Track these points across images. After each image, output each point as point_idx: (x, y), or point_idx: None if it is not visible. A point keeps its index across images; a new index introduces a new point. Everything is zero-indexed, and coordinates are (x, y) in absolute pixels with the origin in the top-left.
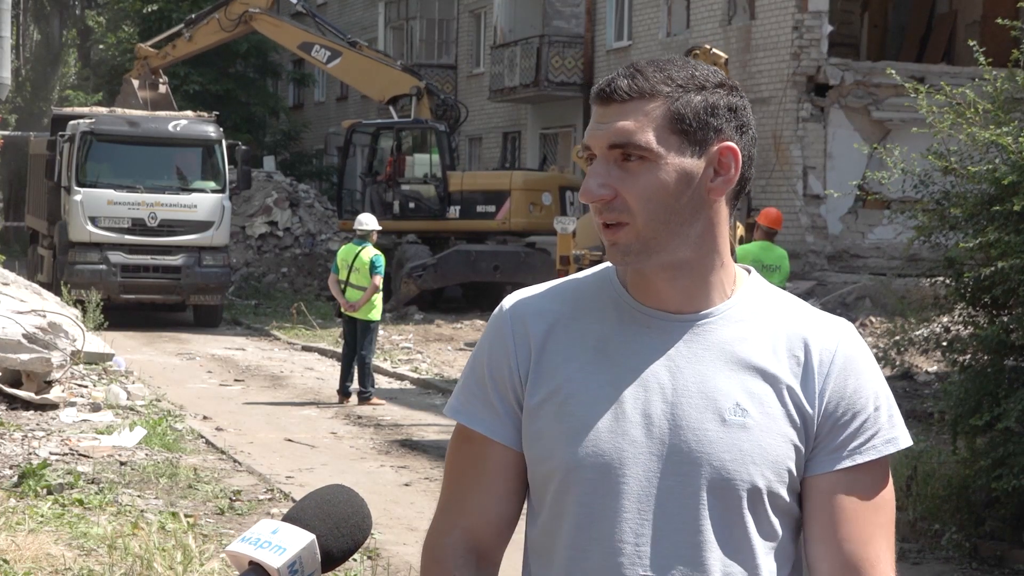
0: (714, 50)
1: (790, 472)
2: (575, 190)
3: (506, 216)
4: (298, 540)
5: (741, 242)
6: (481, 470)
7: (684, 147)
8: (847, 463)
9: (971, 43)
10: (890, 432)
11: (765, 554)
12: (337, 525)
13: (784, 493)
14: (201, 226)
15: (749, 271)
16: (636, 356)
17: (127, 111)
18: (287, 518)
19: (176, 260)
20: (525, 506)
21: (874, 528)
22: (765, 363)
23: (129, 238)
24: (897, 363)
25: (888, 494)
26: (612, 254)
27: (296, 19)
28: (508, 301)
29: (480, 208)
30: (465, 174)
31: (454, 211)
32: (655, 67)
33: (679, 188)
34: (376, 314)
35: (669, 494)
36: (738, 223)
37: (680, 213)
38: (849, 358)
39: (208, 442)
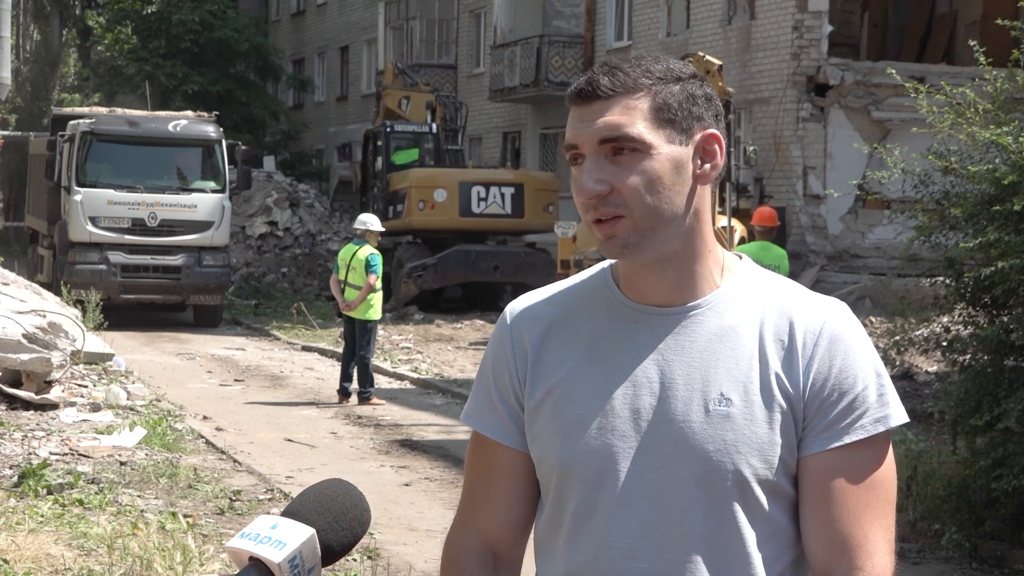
0: (707, 57)
1: (781, 457)
2: (486, 185)
3: (406, 215)
4: (298, 535)
5: (742, 242)
6: (492, 473)
7: (672, 136)
8: (836, 443)
9: (971, 43)
10: (880, 411)
11: (758, 542)
12: (337, 519)
13: (776, 478)
14: (201, 226)
15: (741, 257)
16: (626, 352)
17: (127, 111)
18: (286, 513)
19: (176, 260)
20: None
21: (864, 507)
22: (751, 350)
23: (129, 238)
24: (897, 363)
25: (884, 473)
26: (610, 247)
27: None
28: (509, 307)
29: (399, 207)
30: (397, 174)
31: (392, 211)
32: (631, 63)
33: (672, 177)
34: (374, 314)
35: (658, 487)
36: (738, 223)
37: (674, 202)
38: (835, 337)
39: (208, 442)
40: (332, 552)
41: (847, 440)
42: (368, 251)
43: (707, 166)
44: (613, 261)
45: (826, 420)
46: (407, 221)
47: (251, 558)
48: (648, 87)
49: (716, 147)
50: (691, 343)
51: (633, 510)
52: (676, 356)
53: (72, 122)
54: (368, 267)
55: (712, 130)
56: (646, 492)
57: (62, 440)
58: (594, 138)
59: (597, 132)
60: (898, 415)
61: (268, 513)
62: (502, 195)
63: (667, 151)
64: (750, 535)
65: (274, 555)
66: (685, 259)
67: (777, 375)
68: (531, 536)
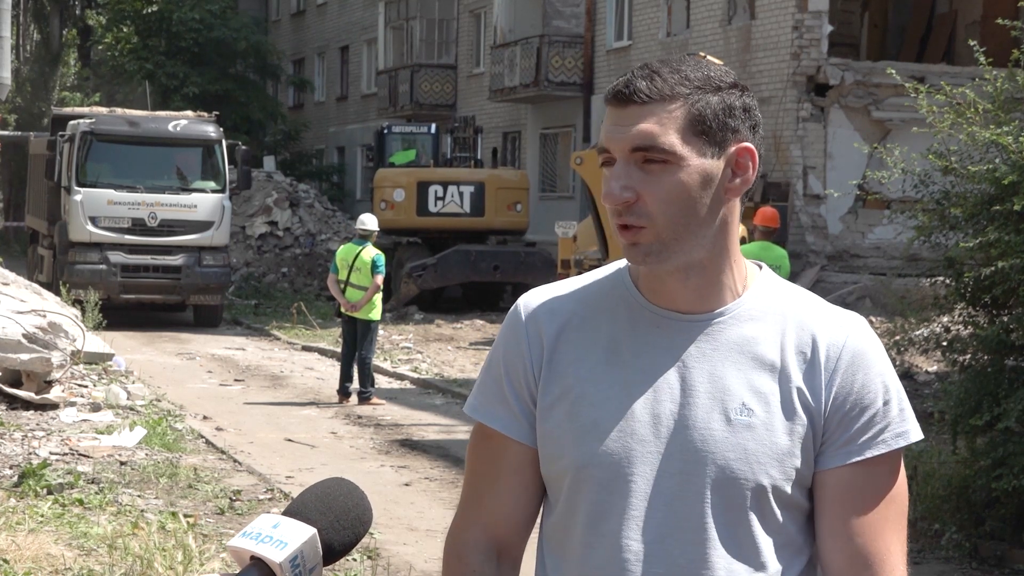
0: (708, 57)
1: (798, 469)
2: (444, 184)
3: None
4: (300, 534)
5: (742, 242)
6: (498, 467)
7: (705, 149)
8: (856, 457)
9: (971, 43)
10: (900, 426)
11: (772, 551)
12: (338, 518)
13: (792, 490)
14: (201, 226)
15: (760, 267)
16: (646, 357)
17: (127, 111)
18: (288, 512)
19: (176, 260)
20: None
21: (884, 522)
22: (773, 361)
23: (129, 238)
24: (897, 363)
25: (899, 487)
26: (632, 255)
27: None
28: (523, 300)
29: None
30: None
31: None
32: (670, 68)
33: (700, 190)
34: (376, 314)
35: (675, 493)
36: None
37: (699, 215)
38: (857, 352)
39: (208, 442)
40: (333, 551)
41: (868, 455)
42: (373, 252)
43: (738, 180)
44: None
45: (847, 434)
46: None
47: (252, 557)
48: (685, 96)
49: (749, 161)
50: (713, 351)
51: (650, 515)
52: (697, 364)
53: (72, 122)
54: (374, 268)
55: (747, 143)
56: (663, 498)
57: (62, 440)
58: (627, 145)
59: (630, 139)
60: (915, 431)
61: (269, 513)
62: (460, 194)
63: (697, 164)
64: (765, 544)
65: (275, 555)
66: (709, 269)
67: (799, 388)
68: (533, 535)
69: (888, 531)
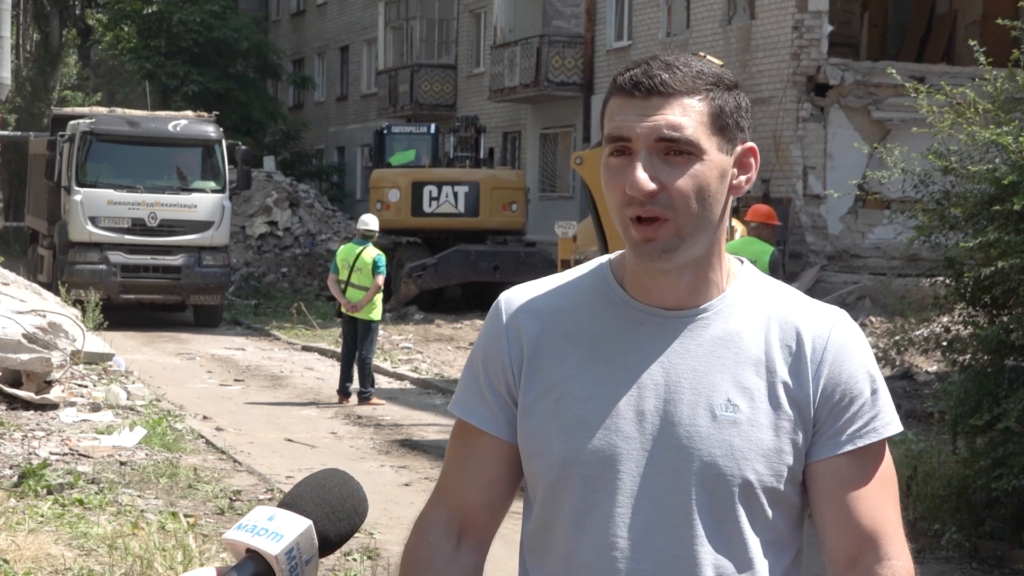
0: (708, 57)
1: (787, 464)
2: (439, 185)
3: None
4: (295, 526)
5: None
6: (471, 458)
7: (722, 144)
8: (849, 447)
9: (971, 43)
10: (889, 415)
11: (760, 547)
12: (334, 510)
13: (780, 485)
14: (201, 226)
15: (742, 262)
16: (630, 353)
17: (127, 111)
18: (283, 504)
19: (176, 260)
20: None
21: (884, 503)
22: (758, 356)
23: (129, 238)
24: (897, 363)
25: (888, 468)
26: (648, 250)
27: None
28: (504, 297)
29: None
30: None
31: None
32: (683, 62)
33: (717, 185)
34: (377, 314)
35: (661, 490)
36: (739, 223)
37: (713, 210)
38: (842, 345)
39: (208, 442)
40: (329, 543)
41: (860, 444)
42: (374, 252)
43: (743, 178)
44: (611, 257)
45: (837, 425)
46: None
47: (248, 550)
48: (705, 91)
49: (752, 161)
50: (697, 347)
51: (636, 512)
52: (682, 360)
53: (72, 122)
54: (375, 268)
55: (751, 143)
56: (650, 494)
57: (62, 440)
58: (652, 135)
59: (656, 129)
60: (897, 420)
61: (264, 505)
62: (455, 194)
63: (717, 159)
64: (753, 540)
65: (271, 547)
66: (703, 265)
67: (785, 383)
68: (514, 533)
69: (888, 511)
